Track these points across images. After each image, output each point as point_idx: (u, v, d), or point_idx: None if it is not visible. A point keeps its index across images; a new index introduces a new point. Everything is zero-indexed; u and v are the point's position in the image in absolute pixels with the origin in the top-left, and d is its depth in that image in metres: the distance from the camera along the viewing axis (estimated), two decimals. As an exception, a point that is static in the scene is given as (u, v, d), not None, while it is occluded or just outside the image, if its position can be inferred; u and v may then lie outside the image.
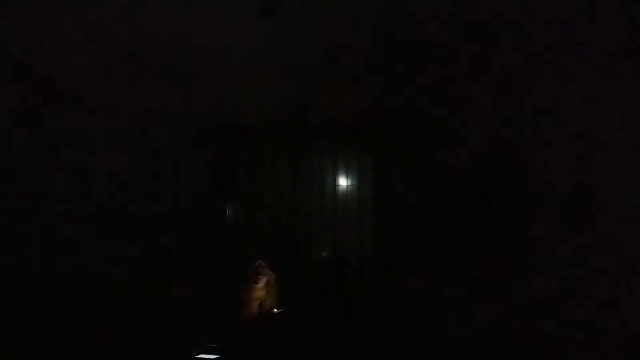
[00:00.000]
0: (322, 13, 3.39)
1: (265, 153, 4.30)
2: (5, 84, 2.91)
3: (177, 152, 4.25)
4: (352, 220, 4.27)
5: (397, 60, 4.13)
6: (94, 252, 3.72)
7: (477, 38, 3.69)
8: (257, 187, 4.28)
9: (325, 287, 3.51)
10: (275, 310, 3.45)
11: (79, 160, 3.71)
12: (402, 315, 3.67)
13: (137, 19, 3.47)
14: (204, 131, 4.21)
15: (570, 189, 3.04)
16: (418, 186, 4.13)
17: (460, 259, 3.30)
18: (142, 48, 3.94)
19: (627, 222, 2.58)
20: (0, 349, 2.61)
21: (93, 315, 3.05)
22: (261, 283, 3.47)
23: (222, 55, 4.08)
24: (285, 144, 4.28)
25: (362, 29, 3.65)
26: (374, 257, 4.17)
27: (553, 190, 3.23)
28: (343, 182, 4.34)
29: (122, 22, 3.51)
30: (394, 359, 3.35)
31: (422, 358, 3.13)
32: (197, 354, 3.01)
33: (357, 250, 4.23)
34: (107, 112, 4.06)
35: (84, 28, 3.51)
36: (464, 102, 4.08)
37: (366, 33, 3.71)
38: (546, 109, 3.47)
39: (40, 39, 3.25)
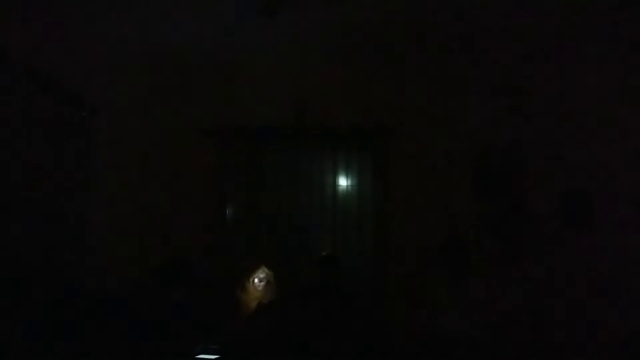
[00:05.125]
0: (322, 13, 3.39)
1: (265, 153, 4.30)
2: (5, 84, 2.91)
3: (177, 152, 4.25)
4: (352, 220, 4.27)
5: (397, 59, 4.13)
6: (93, 253, 3.72)
7: (476, 37, 3.69)
8: (257, 187, 4.28)
9: (325, 286, 3.51)
10: (263, 302, 3.46)
11: (79, 160, 3.71)
12: (402, 315, 3.67)
13: (137, 19, 3.48)
14: (204, 131, 4.21)
15: (570, 189, 3.03)
16: (418, 186, 4.13)
17: (460, 259, 3.30)
18: (142, 48, 3.94)
19: (627, 222, 2.57)
20: (0, 348, 2.61)
21: (92, 315, 3.04)
22: (261, 287, 3.49)
23: (222, 55, 4.08)
24: (285, 144, 4.28)
25: (361, 29, 3.65)
26: (374, 257, 4.17)
27: (553, 190, 3.23)
28: (343, 182, 4.34)
29: (123, 21, 3.51)
30: (393, 359, 3.34)
31: (422, 358, 3.13)
32: (197, 354, 3.01)
33: (357, 250, 4.23)
34: (107, 112, 4.06)
35: (84, 28, 3.51)
36: (463, 102, 4.08)
37: (366, 33, 3.71)
38: (546, 109, 3.47)
39: (40, 38, 3.25)
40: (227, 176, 4.26)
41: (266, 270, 3.50)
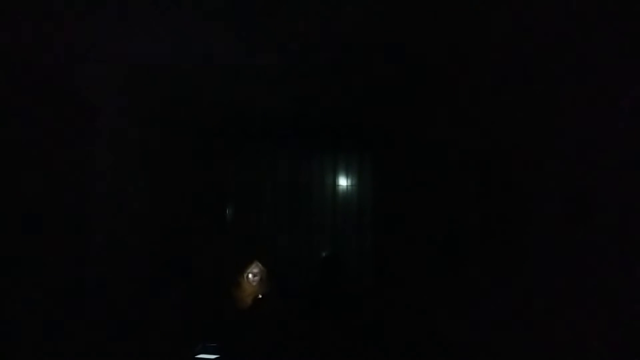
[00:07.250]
0: (322, 13, 3.39)
1: (265, 153, 4.30)
2: (5, 83, 2.91)
3: (177, 152, 4.25)
4: (352, 220, 4.27)
5: (397, 60, 4.13)
6: (92, 252, 3.71)
7: (476, 38, 3.69)
8: (257, 187, 4.28)
9: (324, 286, 3.52)
10: (259, 296, 3.47)
11: (78, 160, 3.71)
12: (401, 315, 3.67)
13: (137, 19, 3.47)
14: (204, 131, 4.20)
15: (570, 189, 3.03)
16: (417, 186, 4.13)
17: (460, 258, 3.30)
18: (142, 48, 3.94)
19: (627, 222, 2.57)
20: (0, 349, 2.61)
21: (92, 315, 3.05)
22: (256, 282, 3.51)
23: (222, 55, 4.08)
24: (285, 143, 4.29)
25: (362, 29, 3.65)
26: (374, 257, 4.17)
27: (553, 190, 3.23)
28: (343, 182, 4.34)
29: (122, 22, 3.50)
30: (393, 358, 3.35)
31: (421, 358, 3.13)
32: (197, 354, 3.02)
33: (357, 250, 4.24)
34: (107, 112, 4.06)
35: (84, 28, 3.51)
36: (464, 102, 4.08)
37: (367, 33, 3.71)
38: (546, 109, 3.46)
39: (40, 39, 3.25)
40: (226, 176, 4.26)
41: (260, 265, 3.52)
